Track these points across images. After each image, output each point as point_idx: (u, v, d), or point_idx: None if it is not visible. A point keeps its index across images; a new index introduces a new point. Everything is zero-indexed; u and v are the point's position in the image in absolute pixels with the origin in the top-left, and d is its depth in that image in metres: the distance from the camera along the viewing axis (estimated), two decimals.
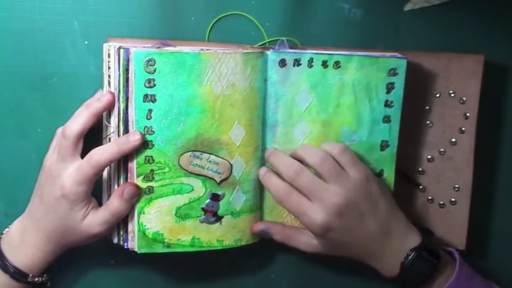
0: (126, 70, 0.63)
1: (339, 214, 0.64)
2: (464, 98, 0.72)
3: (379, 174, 0.70)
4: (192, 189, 0.66)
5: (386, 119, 0.69)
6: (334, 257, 0.68)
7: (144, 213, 0.66)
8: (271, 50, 0.68)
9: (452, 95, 0.72)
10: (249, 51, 0.66)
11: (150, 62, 0.63)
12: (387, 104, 0.68)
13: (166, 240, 0.67)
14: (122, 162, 0.65)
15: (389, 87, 0.68)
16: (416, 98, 0.72)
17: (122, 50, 0.63)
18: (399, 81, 0.68)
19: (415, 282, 0.66)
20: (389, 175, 0.70)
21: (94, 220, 0.64)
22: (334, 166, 0.66)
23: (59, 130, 0.66)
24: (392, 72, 0.68)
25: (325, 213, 0.64)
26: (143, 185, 0.65)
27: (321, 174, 0.65)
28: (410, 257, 0.65)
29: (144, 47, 0.64)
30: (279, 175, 0.67)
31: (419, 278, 0.65)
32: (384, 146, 0.69)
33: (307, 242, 0.69)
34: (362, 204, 0.65)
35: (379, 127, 0.69)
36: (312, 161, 0.66)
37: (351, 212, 0.64)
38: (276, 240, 0.70)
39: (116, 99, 0.64)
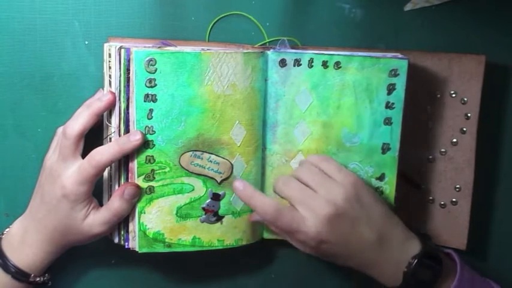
0: (127, 70, 0.63)
1: (331, 223, 0.62)
2: (465, 99, 0.72)
3: (380, 178, 0.69)
4: (193, 189, 0.66)
5: (388, 121, 0.68)
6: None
7: (144, 213, 0.66)
8: (271, 50, 0.68)
9: (454, 95, 0.72)
10: (249, 51, 0.66)
11: (151, 62, 0.63)
12: (388, 106, 0.68)
13: (167, 240, 0.67)
14: (122, 162, 0.65)
15: (390, 88, 0.67)
16: (417, 98, 0.72)
17: (123, 50, 0.63)
18: (400, 82, 0.67)
19: None
20: (391, 179, 0.69)
21: (95, 220, 0.64)
22: (318, 174, 0.65)
23: (60, 130, 0.66)
24: (394, 73, 0.67)
25: (317, 224, 0.62)
26: (144, 184, 0.65)
27: (308, 184, 0.64)
28: (412, 265, 0.62)
29: (145, 46, 0.64)
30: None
31: (423, 286, 0.63)
32: (385, 149, 0.68)
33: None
34: (353, 210, 0.63)
35: (380, 129, 0.68)
36: (296, 172, 0.66)
37: (342, 220, 0.62)
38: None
39: (117, 99, 0.64)
